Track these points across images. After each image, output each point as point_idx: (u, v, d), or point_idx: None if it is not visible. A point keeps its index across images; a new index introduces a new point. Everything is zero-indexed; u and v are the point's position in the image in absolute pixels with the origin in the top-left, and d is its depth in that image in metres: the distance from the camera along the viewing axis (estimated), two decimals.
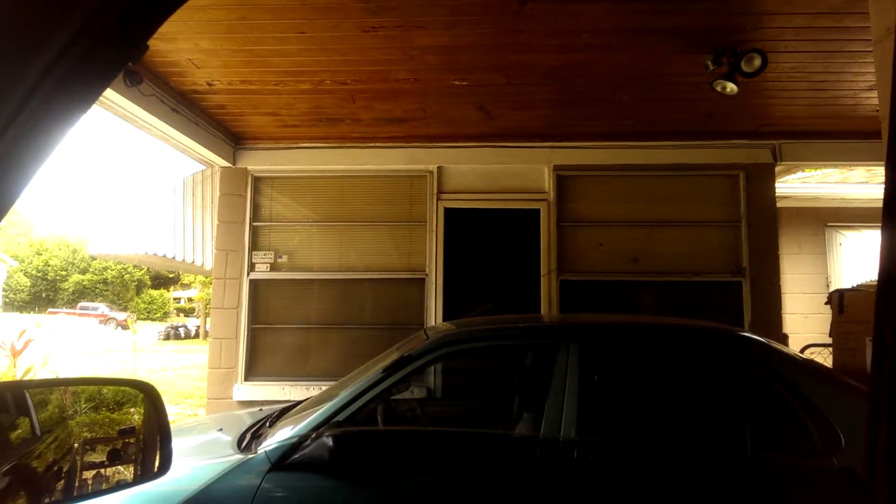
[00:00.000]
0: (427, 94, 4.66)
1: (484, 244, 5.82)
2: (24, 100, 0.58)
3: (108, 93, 3.92)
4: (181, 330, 30.10)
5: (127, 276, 43.91)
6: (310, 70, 4.24)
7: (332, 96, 4.71)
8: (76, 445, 1.45)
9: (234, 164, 5.86)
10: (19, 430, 1.29)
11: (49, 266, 44.14)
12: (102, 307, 36.46)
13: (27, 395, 1.30)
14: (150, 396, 1.43)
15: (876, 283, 0.58)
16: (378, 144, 5.81)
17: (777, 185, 5.84)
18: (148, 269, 39.98)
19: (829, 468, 2.36)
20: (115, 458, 1.46)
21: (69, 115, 0.64)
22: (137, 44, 0.69)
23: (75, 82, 0.62)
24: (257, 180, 5.97)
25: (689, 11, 3.39)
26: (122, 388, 1.63)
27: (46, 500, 1.25)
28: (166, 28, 3.62)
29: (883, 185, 0.60)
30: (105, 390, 1.76)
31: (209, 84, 4.50)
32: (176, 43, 3.85)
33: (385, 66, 4.15)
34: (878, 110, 4.40)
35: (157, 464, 1.40)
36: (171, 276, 41.40)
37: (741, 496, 2.42)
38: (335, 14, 3.44)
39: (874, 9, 2.35)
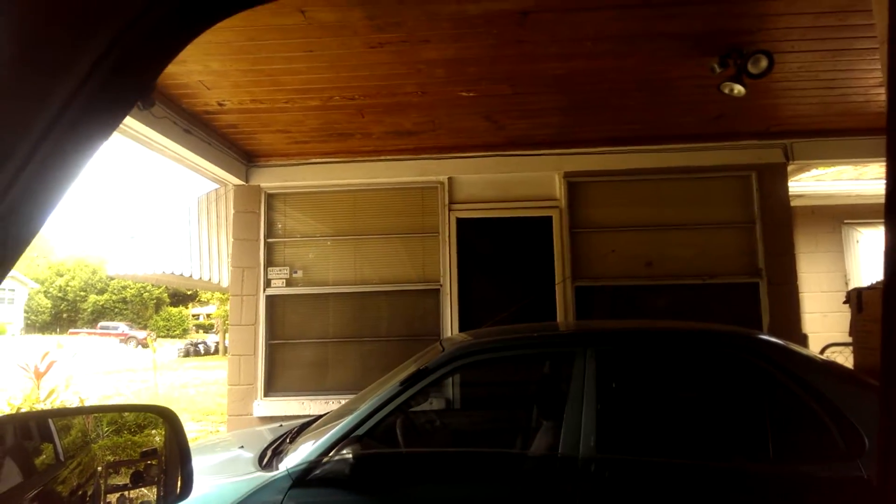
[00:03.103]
0: (435, 106, 4.69)
1: (497, 253, 5.83)
2: (44, 133, 0.61)
3: None
4: (200, 346, 30.32)
5: (146, 295, 44.32)
6: (318, 87, 4.29)
7: (342, 112, 4.75)
8: (100, 469, 1.47)
9: (247, 182, 5.92)
10: (44, 456, 1.31)
11: (69, 287, 44.66)
12: (122, 326, 36.78)
13: (51, 423, 1.32)
14: (169, 421, 1.45)
15: None
16: (388, 157, 5.84)
17: (790, 183, 5.79)
18: (166, 287, 40.33)
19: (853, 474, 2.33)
20: (138, 479, 1.47)
21: (84, 151, 0.67)
22: (147, 83, 0.72)
23: (89, 120, 0.65)
24: (270, 197, 6.02)
25: (693, 15, 3.39)
26: (143, 412, 1.66)
27: None
28: None
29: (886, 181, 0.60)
30: (126, 414, 1.79)
31: (220, 104, 4.56)
32: (186, 65, 3.91)
33: (392, 80, 4.19)
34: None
35: (178, 486, 1.42)
36: (188, 293, 41.74)
37: None
38: (342, 32, 3.49)
39: (877, 8, 2.35)
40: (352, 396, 3.53)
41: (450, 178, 5.85)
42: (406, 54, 3.78)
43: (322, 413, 3.67)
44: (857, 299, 4.30)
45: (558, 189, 5.77)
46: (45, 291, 43.78)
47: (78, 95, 0.62)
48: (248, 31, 3.48)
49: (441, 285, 5.75)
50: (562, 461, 2.52)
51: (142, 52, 0.69)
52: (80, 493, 1.39)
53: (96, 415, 1.71)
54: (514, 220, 5.81)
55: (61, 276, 45.43)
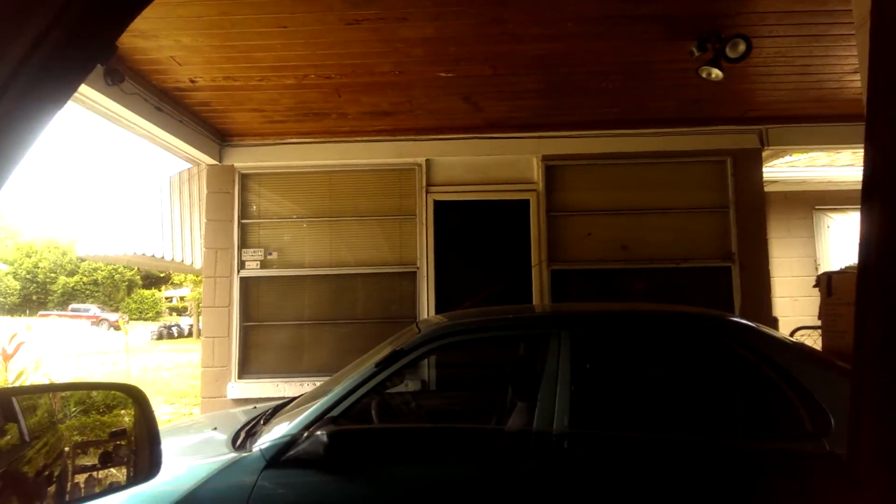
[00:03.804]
0: (413, 86, 4.64)
1: (474, 236, 5.82)
2: None
3: (91, 92, 3.89)
4: (174, 329, 30.06)
5: (117, 277, 43.70)
6: (293, 65, 4.21)
7: (318, 91, 4.68)
8: (67, 449, 1.44)
9: (220, 162, 5.82)
10: (8, 437, 1.27)
11: (39, 269, 43.83)
12: (94, 308, 36.30)
13: (14, 401, 1.28)
14: (137, 401, 1.42)
15: None
16: (365, 138, 5.78)
17: (764, 169, 5.86)
18: (138, 269, 39.80)
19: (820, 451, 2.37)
20: (106, 460, 1.45)
21: (41, 116, 0.64)
22: (107, 43, 0.68)
23: (45, 83, 0.62)
24: (245, 177, 5.93)
25: None
26: (111, 391, 1.62)
27: None
28: (146, 25, 3.59)
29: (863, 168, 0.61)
30: (94, 393, 1.75)
31: (192, 81, 4.46)
32: (157, 40, 3.81)
33: (369, 59, 4.12)
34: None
35: (148, 466, 1.39)
36: (161, 275, 41.21)
37: (736, 485, 2.43)
38: (317, 7, 3.42)
39: None
40: (327, 378, 3.52)
41: (427, 160, 5.81)
42: (383, 32, 3.72)
43: (297, 395, 3.65)
44: (826, 283, 4.37)
45: (536, 172, 5.76)
46: (13, 273, 42.92)
47: (34, 55, 0.59)
48: (221, 5, 3.39)
49: (418, 268, 5.73)
50: (536, 438, 2.54)
51: (102, 8, 0.65)
52: (46, 473, 1.36)
53: (63, 395, 1.67)
54: (492, 203, 5.80)
55: (30, 257, 44.55)
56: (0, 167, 0.61)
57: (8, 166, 0.62)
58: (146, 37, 3.75)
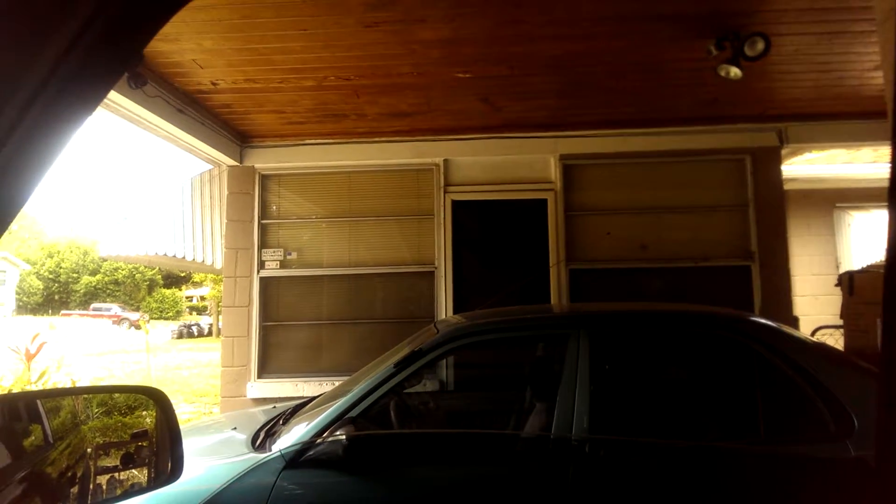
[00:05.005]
0: (431, 87, 4.66)
1: (492, 236, 5.83)
2: (25, 107, 0.59)
3: (114, 95, 3.95)
4: (194, 328, 30.35)
5: (138, 276, 44.18)
6: (313, 67, 4.25)
7: (337, 92, 4.72)
8: (89, 450, 1.45)
9: (241, 163, 5.88)
10: (32, 438, 1.29)
11: (61, 268, 44.45)
12: (115, 308, 36.76)
13: (39, 403, 1.30)
14: (159, 403, 1.43)
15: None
16: (384, 139, 5.81)
17: (784, 167, 5.80)
18: (159, 268, 40.23)
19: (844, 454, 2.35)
20: (128, 461, 1.46)
21: (70, 122, 0.65)
22: (136, 51, 0.70)
23: (74, 90, 0.63)
24: (265, 178, 5.99)
25: None
26: (133, 393, 1.65)
27: None
28: (169, 29, 3.64)
29: (890, 164, 0.60)
30: (116, 395, 1.78)
31: (213, 84, 4.52)
32: (179, 43, 3.86)
33: (388, 60, 4.15)
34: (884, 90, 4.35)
35: (169, 468, 1.41)
36: (182, 274, 41.61)
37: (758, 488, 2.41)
38: (336, 10, 3.45)
39: None
40: (346, 378, 3.54)
41: (445, 160, 5.83)
42: (401, 34, 3.74)
43: (316, 395, 3.68)
44: (848, 282, 4.32)
45: (554, 172, 5.75)
46: (36, 272, 43.58)
47: (63, 63, 0.60)
48: (242, 9, 3.44)
49: (436, 267, 5.75)
50: (555, 442, 2.54)
51: (130, 16, 0.67)
52: (69, 474, 1.38)
53: (86, 396, 1.69)
54: (510, 202, 5.80)
55: (52, 256, 45.19)
56: (31, 172, 0.62)
57: (39, 171, 0.63)
58: (168, 40, 3.81)
